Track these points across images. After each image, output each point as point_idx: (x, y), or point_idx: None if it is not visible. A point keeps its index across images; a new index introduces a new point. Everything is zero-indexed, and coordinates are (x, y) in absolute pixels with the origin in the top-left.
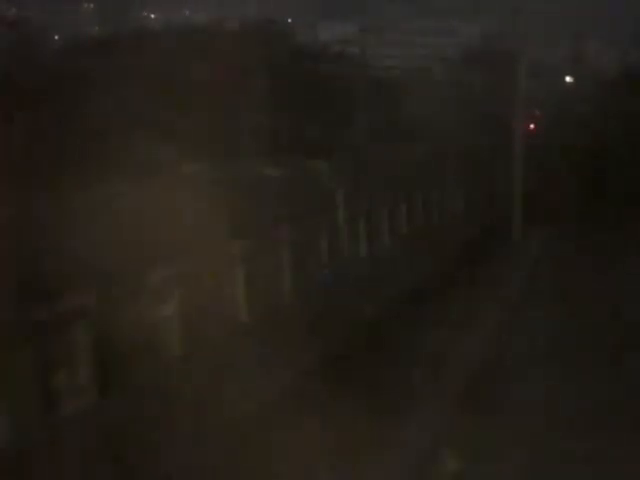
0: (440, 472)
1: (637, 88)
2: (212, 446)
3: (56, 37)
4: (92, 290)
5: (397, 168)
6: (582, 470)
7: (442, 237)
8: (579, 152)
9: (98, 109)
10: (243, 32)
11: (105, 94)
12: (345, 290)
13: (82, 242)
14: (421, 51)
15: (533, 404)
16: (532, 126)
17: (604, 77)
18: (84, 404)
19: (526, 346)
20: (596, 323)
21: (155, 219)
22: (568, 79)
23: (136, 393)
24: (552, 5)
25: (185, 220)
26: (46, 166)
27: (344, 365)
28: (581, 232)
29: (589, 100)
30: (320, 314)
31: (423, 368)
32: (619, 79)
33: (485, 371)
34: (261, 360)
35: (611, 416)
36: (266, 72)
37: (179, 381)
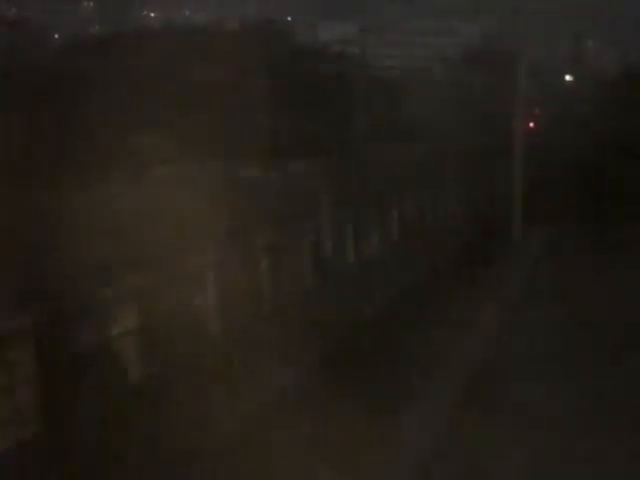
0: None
1: (637, 88)
2: None
3: (56, 37)
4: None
5: (394, 168)
6: (582, 470)
7: (440, 237)
8: (579, 151)
9: (95, 109)
10: (243, 32)
11: (104, 94)
12: (329, 299)
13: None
14: (421, 51)
15: (533, 404)
16: (532, 125)
17: (604, 77)
18: None
19: (526, 346)
20: (596, 323)
21: (104, 226)
22: (568, 79)
23: None
24: (552, 5)
25: (140, 226)
26: (40, 166)
27: None
28: (581, 232)
29: (589, 100)
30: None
31: (423, 367)
32: (619, 79)
33: (485, 371)
34: None
35: (611, 416)
36: (265, 72)
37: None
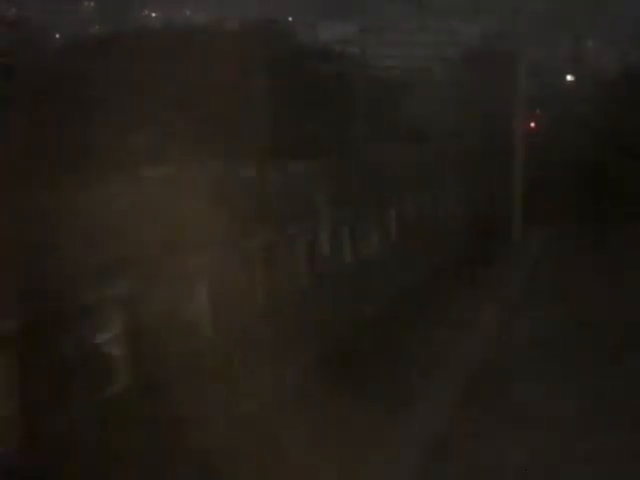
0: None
1: (637, 88)
2: None
3: (57, 36)
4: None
5: (394, 168)
6: (582, 470)
7: (440, 237)
8: (579, 151)
9: (95, 109)
10: (243, 32)
11: (104, 94)
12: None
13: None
14: (421, 51)
15: (532, 403)
16: (532, 125)
17: (604, 77)
18: None
19: (525, 346)
20: (596, 323)
21: (91, 227)
22: (568, 79)
23: None
24: (552, 5)
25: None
26: (28, 165)
27: None
28: (581, 232)
29: (589, 100)
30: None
31: (424, 366)
32: (619, 79)
33: (484, 371)
34: None
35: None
36: (265, 72)
37: None
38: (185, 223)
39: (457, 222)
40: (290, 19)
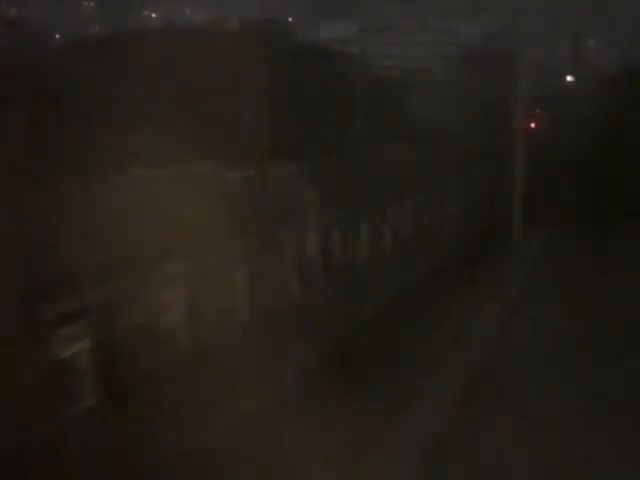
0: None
1: (637, 87)
2: None
3: (57, 36)
4: None
5: (394, 168)
6: (581, 469)
7: (440, 237)
8: (580, 151)
9: (94, 109)
10: (243, 32)
11: (103, 94)
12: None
13: None
14: (421, 51)
15: (531, 403)
16: (533, 125)
17: (604, 77)
18: None
19: (525, 345)
20: (596, 323)
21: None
22: (568, 79)
23: None
24: (552, 5)
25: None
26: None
27: None
28: (581, 232)
29: (589, 100)
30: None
31: (424, 365)
32: (619, 79)
33: (484, 371)
34: None
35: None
36: (265, 72)
37: None
38: (169, 227)
39: (457, 222)
40: (290, 19)
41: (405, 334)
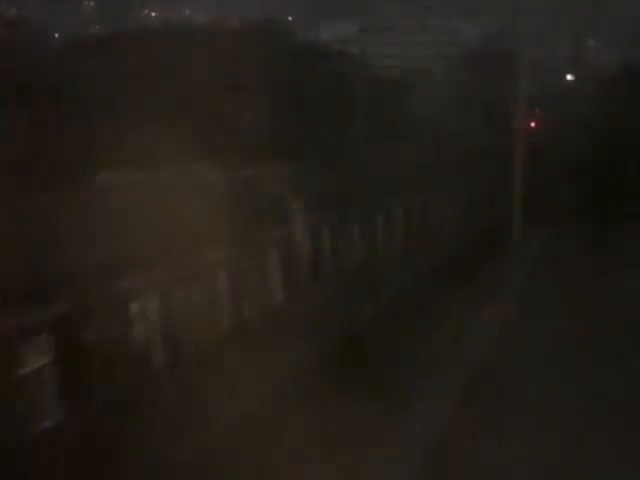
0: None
1: (637, 87)
2: None
3: (57, 36)
4: None
5: (394, 168)
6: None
7: (440, 237)
8: (580, 151)
9: (94, 109)
10: (243, 32)
11: (103, 93)
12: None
13: None
14: (421, 51)
15: (530, 402)
16: (533, 125)
17: (604, 76)
18: None
19: (525, 345)
20: (596, 323)
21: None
22: (568, 78)
23: None
24: (552, 5)
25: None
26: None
27: None
28: (581, 232)
29: (589, 99)
30: None
31: (425, 365)
32: (619, 79)
33: (485, 370)
34: None
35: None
36: (265, 71)
37: None
38: (146, 232)
39: (457, 222)
40: (290, 19)
41: (405, 334)
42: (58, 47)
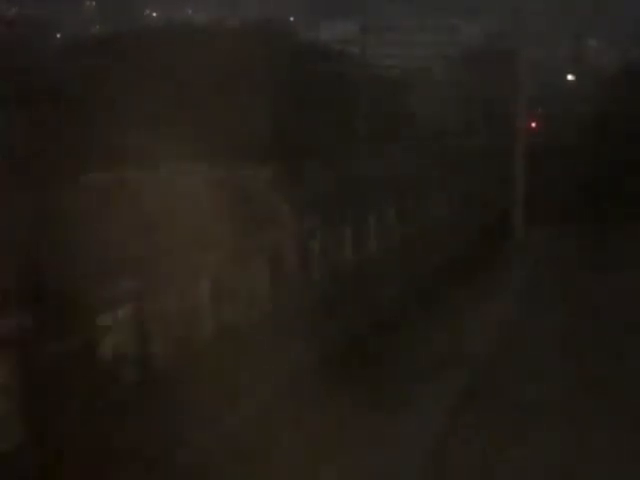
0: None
1: (637, 87)
2: None
3: (57, 36)
4: None
5: (394, 168)
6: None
7: (440, 238)
8: (580, 151)
9: (94, 108)
10: (243, 32)
11: (103, 93)
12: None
13: None
14: (421, 51)
15: (531, 402)
16: (533, 124)
17: (605, 76)
18: None
19: (525, 344)
20: (596, 323)
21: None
22: (569, 78)
23: None
24: (552, 5)
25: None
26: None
27: None
28: (581, 232)
29: (590, 99)
30: None
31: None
32: (620, 78)
33: (485, 370)
34: None
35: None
36: (265, 71)
37: None
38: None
39: (457, 222)
40: (290, 19)
41: (405, 334)
42: (58, 47)
